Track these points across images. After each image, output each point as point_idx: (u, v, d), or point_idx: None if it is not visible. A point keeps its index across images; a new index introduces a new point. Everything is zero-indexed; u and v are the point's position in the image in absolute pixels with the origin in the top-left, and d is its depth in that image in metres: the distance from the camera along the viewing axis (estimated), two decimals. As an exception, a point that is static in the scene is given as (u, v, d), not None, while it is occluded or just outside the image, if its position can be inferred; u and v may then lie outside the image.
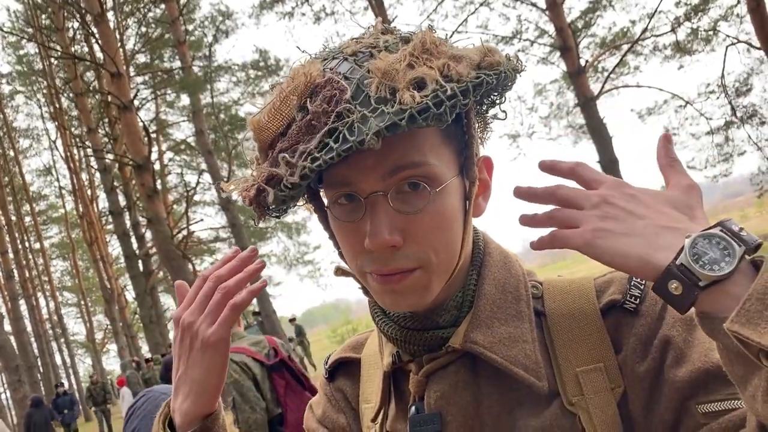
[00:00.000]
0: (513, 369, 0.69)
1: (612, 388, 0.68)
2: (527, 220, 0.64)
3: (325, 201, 0.73)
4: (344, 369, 0.93)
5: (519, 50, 17.38)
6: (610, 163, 12.85)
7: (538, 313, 0.76)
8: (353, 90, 0.62)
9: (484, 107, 0.78)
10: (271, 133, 0.66)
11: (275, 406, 3.44)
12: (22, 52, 26.15)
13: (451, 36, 0.71)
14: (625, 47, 15.54)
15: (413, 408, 0.75)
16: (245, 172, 0.70)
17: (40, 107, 29.40)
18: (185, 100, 22.71)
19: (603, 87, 14.15)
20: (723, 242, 0.53)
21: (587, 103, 12.99)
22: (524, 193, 0.65)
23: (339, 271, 0.81)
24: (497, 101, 0.76)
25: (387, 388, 0.81)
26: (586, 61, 14.07)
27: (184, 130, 27.71)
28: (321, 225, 0.77)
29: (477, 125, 0.77)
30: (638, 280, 0.72)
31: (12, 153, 29.67)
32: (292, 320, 12.16)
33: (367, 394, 0.87)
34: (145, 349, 23.79)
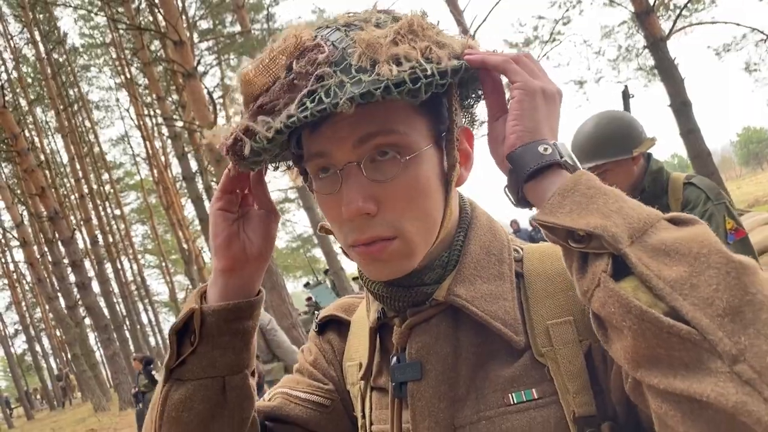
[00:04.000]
0: (493, 323, 0.73)
1: (580, 341, 0.71)
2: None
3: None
4: (334, 326, 0.97)
5: (583, -8, 16.65)
6: (682, 106, 12.27)
7: (518, 275, 0.79)
8: (337, 57, 0.65)
9: (470, 101, 0.81)
10: (257, 88, 0.68)
11: None
12: (92, 23, 26.98)
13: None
14: (699, -19, 14.61)
15: (395, 358, 0.79)
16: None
17: (111, 77, 30.45)
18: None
19: (674, 25, 13.43)
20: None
21: (656, 44, 12.37)
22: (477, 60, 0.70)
23: (323, 229, 0.85)
24: (482, 96, 0.79)
25: (373, 344, 0.85)
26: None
27: (240, 100, 28.03)
28: (309, 191, 0.81)
29: (461, 114, 0.80)
30: None
31: (88, 124, 30.95)
32: (355, 279, 12.52)
33: (351, 353, 0.91)
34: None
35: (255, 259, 0.80)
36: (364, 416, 0.86)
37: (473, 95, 0.81)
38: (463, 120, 0.81)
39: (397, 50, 0.64)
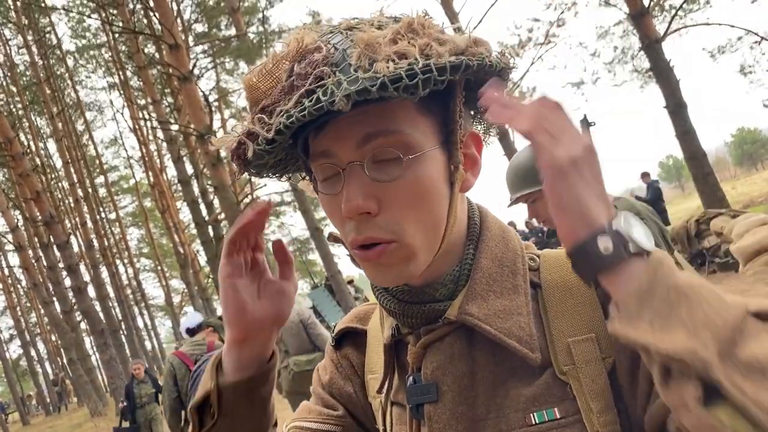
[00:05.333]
0: (507, 341, 0.71)
1: (603, 358, 0.69)
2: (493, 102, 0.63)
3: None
4: (351, 338, 0.95)
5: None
6: (677, 108, 12.30)
7: (534, 285, 0.77)
8: (338, 58, 0.65)
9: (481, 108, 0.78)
10: (260, 93, 0.68)
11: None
12: (84, 24, 26.92)
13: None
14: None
15: (411, 378, 0.77)
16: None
17: (104, 77, 30.38)
18: (244, 67, 22.99)
19: (669, 27, 13.48)
20: (643, 227, 0.60)
21: (652, 46, 12.40)
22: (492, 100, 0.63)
23: (332, 237, 0.83)
24: None
25: (389, 360, 0.83)
26: (651, 0, 13.36)
27: (244, 98, 28.09)
28: (319, 199, 0.78)
29: (468, 118, 0.78)
30: None
31: (84, 126, 30.90)
32: (350, 282, 12.49)
33: (372, 365, 0.90)
34: (219, 311, 24.77)
35: (270, 327, 0.77)
36: (385, 430, 0.86)
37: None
38: (473, 125, 0.80)
39: (395, 48, 0.63)
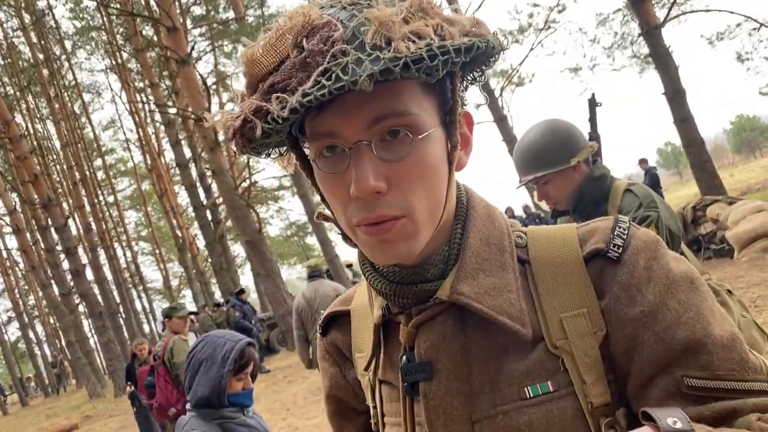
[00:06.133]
0: (498, 318, 0.72)
1: (594, 332, 0.72)
2: None
3: (307, 152, 0.75)
4: (336, 323, 0.96)
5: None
6: (676, 94, 12.29)
7: (523, 261, 0.78)
8: (349, 35, 0.63)
9: (465, 83, 0.79)
10: (263, 67, 0.66)
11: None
12: (82, 6, 26.71)
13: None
14: (694, -32, 14.61)
15: (404, 358, 0.78)
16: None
17: (102, 60, 30.20)
18: (243, 50, 22.72)
19: (669, 13, 13.43)
20: None
21: (651, 32, 12.36)
22: None
23: (321, 216, 0.83)
24: (478, 78, 0.78)
25: (378, 339, 0.84)
26: (651, -13, 13.29)
27: (243, 82, 27.97)
28: (305, 176, 0.78)
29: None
30: (622, 229, 0.74)
31: (81, 109, 30.74)
32: (348, 266, 12.51)
33: (358, 344, 0.91)
34: (217, 295, 24.81)
35: None
36: (375, 406, 0.87)
37: (468, 77, 0.79)
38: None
39: (410, 28, 0.63)
